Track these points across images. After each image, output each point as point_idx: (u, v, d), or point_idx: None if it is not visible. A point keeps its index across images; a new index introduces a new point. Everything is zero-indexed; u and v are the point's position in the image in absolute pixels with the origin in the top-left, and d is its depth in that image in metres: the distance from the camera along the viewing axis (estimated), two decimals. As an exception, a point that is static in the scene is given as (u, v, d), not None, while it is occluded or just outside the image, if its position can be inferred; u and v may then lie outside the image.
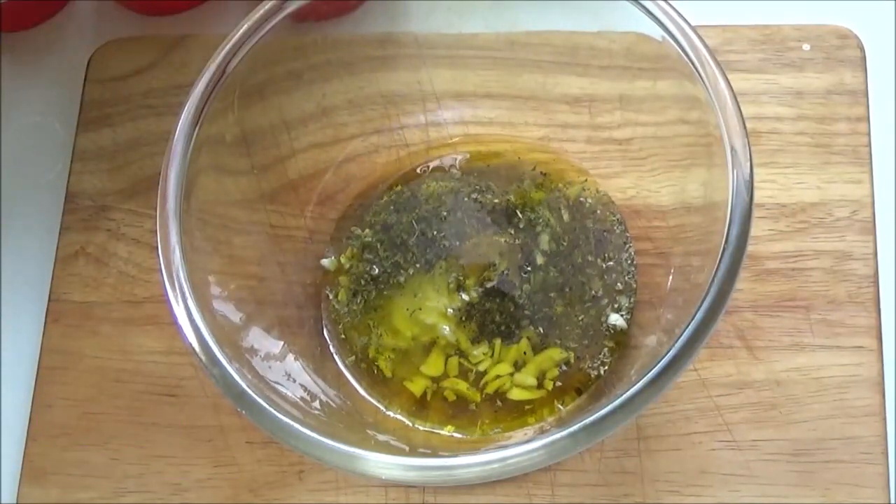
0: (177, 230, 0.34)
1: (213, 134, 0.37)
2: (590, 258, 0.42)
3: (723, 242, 0.32)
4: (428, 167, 0.45)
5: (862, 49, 0.45)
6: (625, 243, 0.42)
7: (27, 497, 0.41)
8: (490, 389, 0.40)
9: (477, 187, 0.44)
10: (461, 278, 0.42)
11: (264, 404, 0.32)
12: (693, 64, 0.35)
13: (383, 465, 0.31)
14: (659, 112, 0.40)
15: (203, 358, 0.33)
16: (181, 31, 0.49)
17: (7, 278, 0.46)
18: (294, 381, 0.38)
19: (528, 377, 0.40)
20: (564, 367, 0.40)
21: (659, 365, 0.31)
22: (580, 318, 0.41)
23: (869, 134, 0.44)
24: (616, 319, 0.41)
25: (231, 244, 0.39)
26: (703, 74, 0.35)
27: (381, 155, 0.45)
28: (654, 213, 0.42)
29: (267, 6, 0.38)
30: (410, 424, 0.40)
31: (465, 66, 0.44)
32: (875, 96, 0.45)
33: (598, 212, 0.43)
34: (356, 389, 0.41)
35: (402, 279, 0.42)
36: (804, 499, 0.39)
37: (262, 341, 0.38)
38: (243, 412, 0.32)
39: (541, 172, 0.44)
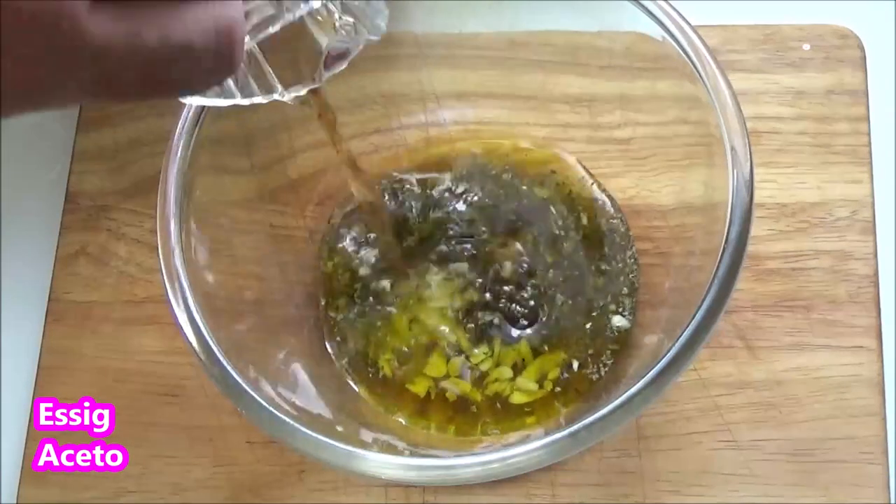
0: (177, 230, 0.34)
1: (213, 134, 0.37)
2: (590, 259, 0.42)
3: (723, 242, 0.32)
4: (427, 167, 0.45)
5: (862, 49, 0.45)
6: (626, 243, 0.42)
7: (27, 497, 0.41)
8: (490, 391, 0.40)
9: (477, 188, 0.44)
10: (462, 279, 0.42)
11: (264, 404, 0.32)
12: (693, 64, 0.35)
13: (383, 465, 0.31)
14: (659, 112, 0.40)
15: (203, 358, 0.33)
16: (181, 31, 0.49)
17: (7, 278, 0.46)
18: (294, 380, 0.38)
19: (529, 381, 0.40)
20: (565, 369, 0.40)
21: (659, 365, 0.31)
22: (581, 319, 0.41)
23: (869, 134, 0.44)
24: (617, 320, 0.41)
25: (231, 244, 0.39)
26: (703, 74, 0.35)
27: (382, 155, 0.45)
28: (655, 212, 0.42)
29: (267, 6, 0.38)
30: (410, 425, 0.40)
31: (465, 66, 0.44)
32: (875, 96, 0.45)
33: (599, 212, 0.43)
34: (356, 390, 0.41)
35: (402, 280, 0.42)
36: (804, 499, 0.39)
37: (262, 341, 0.38)
38: (243, 412, 0.32)
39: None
